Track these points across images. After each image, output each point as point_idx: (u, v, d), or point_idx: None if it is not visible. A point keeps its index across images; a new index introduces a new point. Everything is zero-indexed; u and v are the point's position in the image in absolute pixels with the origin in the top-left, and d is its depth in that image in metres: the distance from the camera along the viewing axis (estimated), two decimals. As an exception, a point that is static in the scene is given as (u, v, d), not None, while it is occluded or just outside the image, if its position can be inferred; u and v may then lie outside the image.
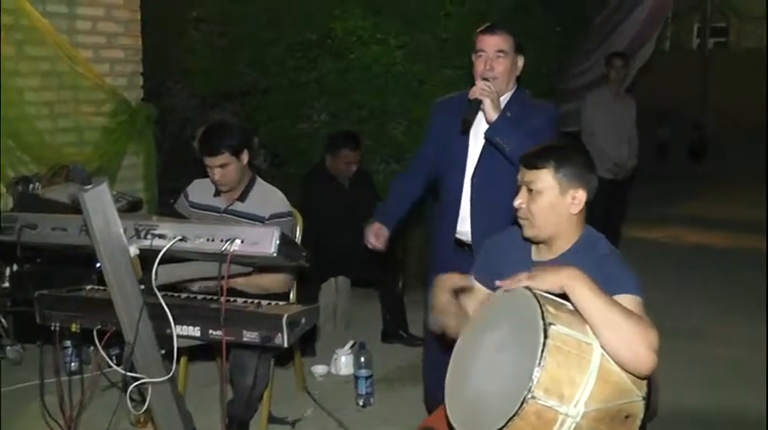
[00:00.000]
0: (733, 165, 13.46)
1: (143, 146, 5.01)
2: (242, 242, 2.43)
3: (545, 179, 2.21)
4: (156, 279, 2.49)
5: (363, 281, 5.42)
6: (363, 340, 4.37)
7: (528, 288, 1.93)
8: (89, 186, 2.31)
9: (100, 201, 2.35)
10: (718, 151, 14.84)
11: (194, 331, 2.59)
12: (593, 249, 2.21)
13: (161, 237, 2.49)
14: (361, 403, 4.12)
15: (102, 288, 2.68)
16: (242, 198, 3.52)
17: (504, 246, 2.45)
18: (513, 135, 3.04)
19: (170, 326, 2.52)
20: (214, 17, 6.09)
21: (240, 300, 2.82)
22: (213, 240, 2.46)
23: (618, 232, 6.34)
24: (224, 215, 3.51)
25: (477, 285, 2.47)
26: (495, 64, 3.14)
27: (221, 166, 3.40)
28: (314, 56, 5.76)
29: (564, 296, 1.94)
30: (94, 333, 2.66)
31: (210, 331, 2.57)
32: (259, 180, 3.59)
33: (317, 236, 4.07)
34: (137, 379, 2.58)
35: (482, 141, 3.21)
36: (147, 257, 2.55)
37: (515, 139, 3.02)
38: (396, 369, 4.64)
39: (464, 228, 3.31)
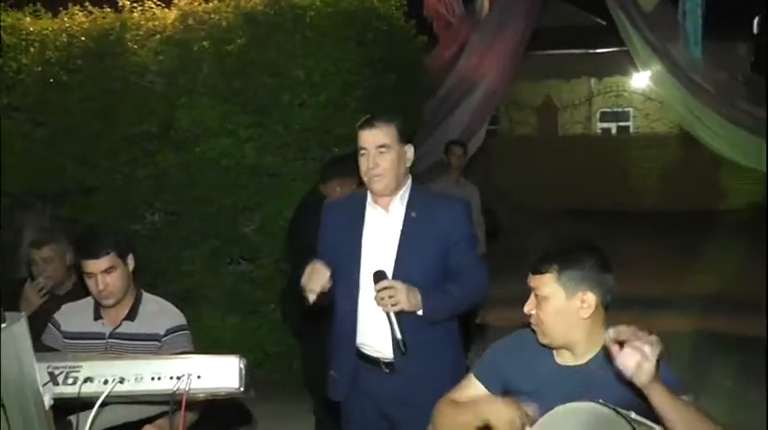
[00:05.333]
0: (521, 245, 14.23)
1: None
2: (199, 377, 1.93)
3: (549, 284, 2.09)
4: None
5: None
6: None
7: (615, 409, 1.71)
8: (4, 324, 1.70)
9: (16, 343, 1.74)
10: (507, 232, 15.66)
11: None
12: None
13: (88, 380, 1.91)
14: None
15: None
16: (131, 316, 2.90)
17: (517, 348, 2.25)
18: (446, 301, 2.80)
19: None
20: (31, 105, 5.33)
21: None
22: (160, 378, 1.93)
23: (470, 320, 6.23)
24: (111, 341, 2.87)
25: (476, 383, 2.28)
26: (379, 160, 2.83)
27: (107, 271, 2.82)
28: (153, 148, 5.20)
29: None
30: None
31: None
32: (145, 293, 3.02)
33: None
34: None
35: (392, 239, 2.88)
36: (59, 407, 1.96)
37: (449, 303, 2.81)
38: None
39: (365, 340, 2.90)
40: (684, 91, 6.79)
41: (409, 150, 2.92)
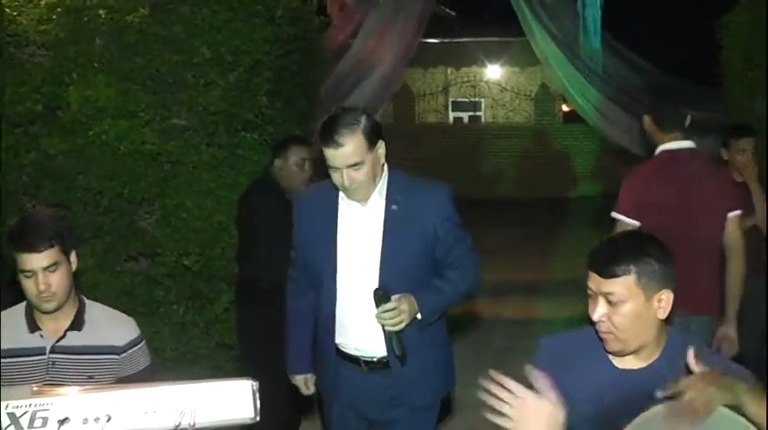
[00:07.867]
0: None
1: None
2: (205, 407, 1.57)
3: (627, 287, 1.89)
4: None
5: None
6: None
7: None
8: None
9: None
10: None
11: None
12: (684, 347, 1.86)
13: (65, 421, 1.49)
14: None
15: None
16: (77, 325, 2.46)
17: (569, 355, 2.05)
18: (441, 300, 2.68)
19: None
20: None
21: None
22: (156, 412, 1.55)
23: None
24: (53, 357, 2.41)
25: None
26: (354, 175, 2.60)
27: (49, 268, 2.36)
28: (37, 132, 4.56)
29: None
30: None
31: None
32: (89, 301, 2.58)
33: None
34: None
35: (373, 235, 2.69)
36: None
37: (444, 301, 2.70)
38: None
39: (345, 340, 2.75)
40: (583, 81, 6.83)
41: (381, 147, 2.68)
